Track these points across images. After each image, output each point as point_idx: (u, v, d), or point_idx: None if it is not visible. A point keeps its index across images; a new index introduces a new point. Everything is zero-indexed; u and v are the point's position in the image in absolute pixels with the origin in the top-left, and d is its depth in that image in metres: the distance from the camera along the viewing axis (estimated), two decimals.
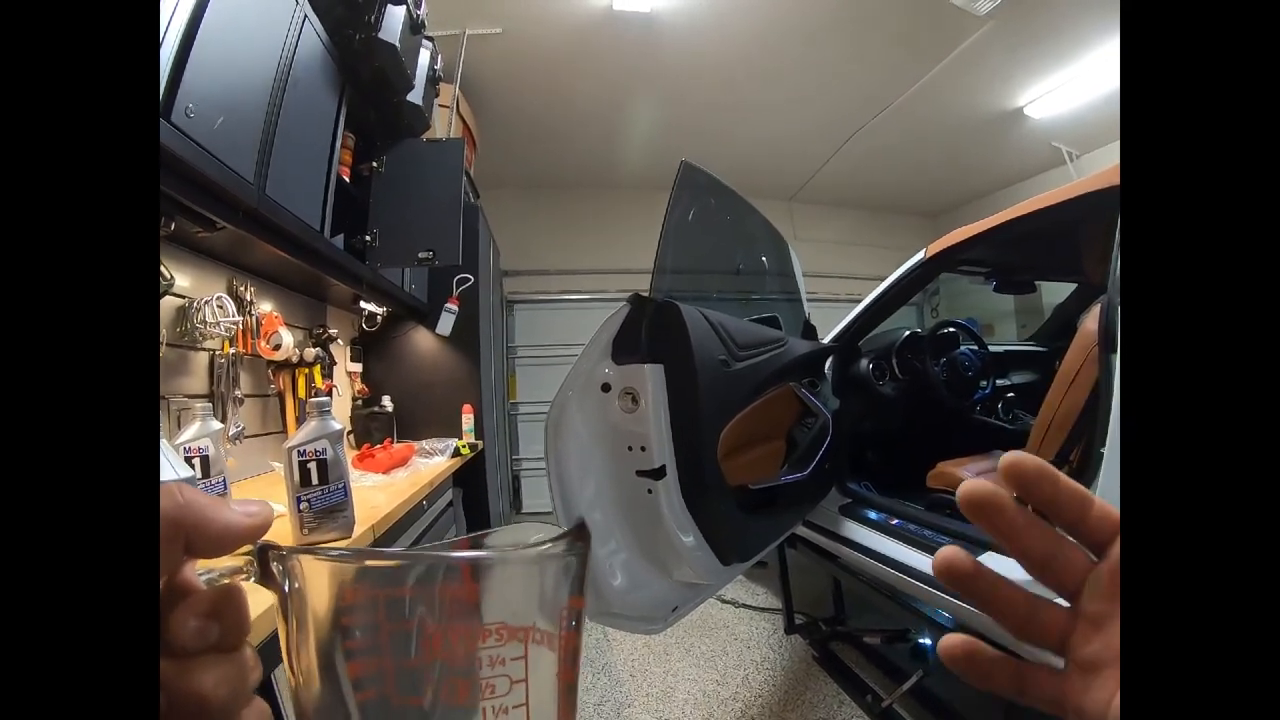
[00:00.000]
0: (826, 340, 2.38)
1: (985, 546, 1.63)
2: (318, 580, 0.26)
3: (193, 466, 1.24)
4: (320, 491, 1.19)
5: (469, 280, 3.24)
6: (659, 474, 1.40)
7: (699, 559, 1.46)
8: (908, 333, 2.48)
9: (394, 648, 0.26)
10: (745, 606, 3.10)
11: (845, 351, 2.39)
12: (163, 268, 1.44)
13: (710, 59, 3.85)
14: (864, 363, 2.38)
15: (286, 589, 0.26)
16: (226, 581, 0.27)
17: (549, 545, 0.28)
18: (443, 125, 3.37)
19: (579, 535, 0.29)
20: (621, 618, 1.50)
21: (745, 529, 1.66)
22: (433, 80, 2.40)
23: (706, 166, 1.74)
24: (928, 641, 2.23)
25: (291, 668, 0.27)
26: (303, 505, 1.18)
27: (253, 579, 0.27)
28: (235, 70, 1.35)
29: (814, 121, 4.75)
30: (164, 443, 0.83)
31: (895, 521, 1.98)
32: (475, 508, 3.16)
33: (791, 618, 2.77)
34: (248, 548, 0.27)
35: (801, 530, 2.37)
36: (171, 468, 0.80)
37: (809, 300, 2.39)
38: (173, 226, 1.35)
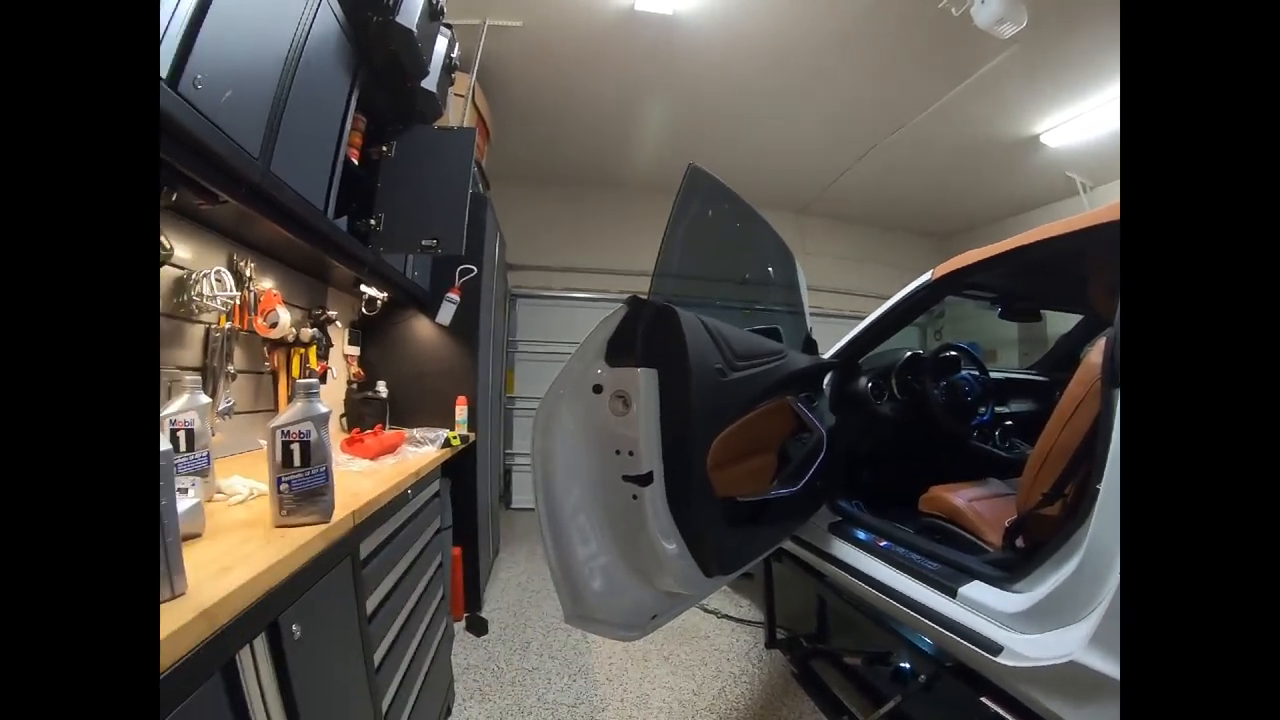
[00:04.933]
0: (827, 356, 2.36)
1: (971, 575, 1.62)
2: None
3: (176, 439, 1.22)
4: (301, 474, 1.17)
5: (472, 271, 3.23)
6: (645, 480, 1.38)
7: (681, 568, 1.45)
8: (909, 353, 2.47)
9: None
10: (727, 617, 3.09)
11: (845, 368, 2.37)
12: (162, 238, 1.42)
13: (729, 65, 3.85)
14: (863, 380, 2.36)
15: None
16: None
17: None
18: (456, 114, 3.37)
19: None
20: (599, 623, 1.49)
21: (730, 541, 1.64)
22: (449, 68, 2.39)
23: (716, 172, 1.72)
24: (908, 666, 2.21)
25: None
26: (283, 487, 1.16)
27: None
28: (247, 45, 1.33)
29: (829, 135, 4.75)
30: None
31: (884, 543, 1.96)
32: (463, 499, 3.14)
33: (773, 632, 2.76)
34: None
35: (789, 545, 2.35)
36: None
37: (812, 314, 2.37)
38: (175, 197, 1.33)
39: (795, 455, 1.95)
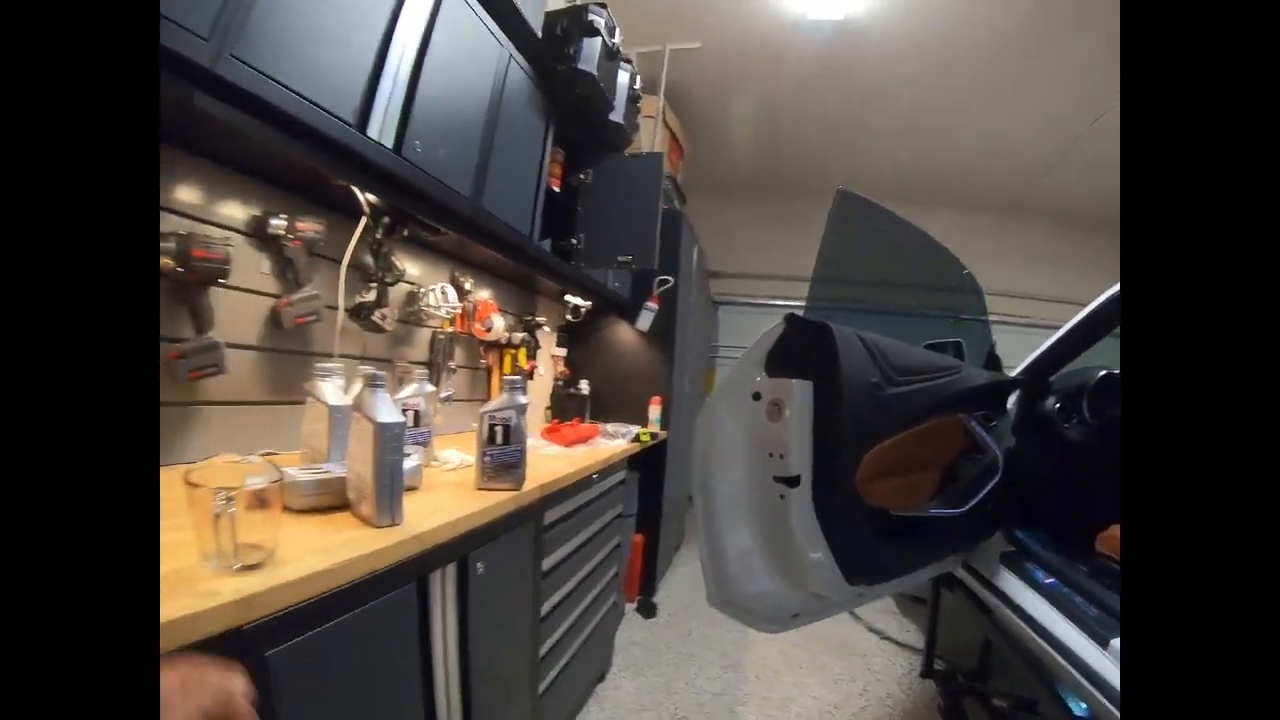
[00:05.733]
0: (1016, 372, 2.25)
1: None
2: None
3: (405, 416, 1.57)
4: (501, 450, 1.46)
5: (669, 282, 3.45)
6: (793, 482, 1.45)
7: (822, 571, 1.49)
8: (1103, 372, 2.27)
9: None
10: (889, 639, 3.04)
11: (1032, 386, 2.25)
12: (395, 261, 1.82)
13: (906, 64, 3.76)
14: (1051, 401, 2.22)
15: None
16: None
17: None
18: (648, 135, 3.64)
19: None
20: (741, 611, 1.58)
21: (876, 552, 1.65)
22: (633, 99, 2.64)
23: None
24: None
25: None
26: (485, 458, 1.45)
27: None
28: (454, 108, 1.68)
29: (1022, 127, 4.38)
30: (385, 394, 1.11)
31: (1050, 581, 1.84)
32: (650, 492, 3.38)
33: (931, 662, 2.66)
34: None
35: (961, 573, 2.26)
36: (390, 414, 1.07)
37: (1007, 322, 2.26)
38: (405, 232, 1.73)
39: (964, 475, 1.91)
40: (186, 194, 1.32)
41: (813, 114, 4.49)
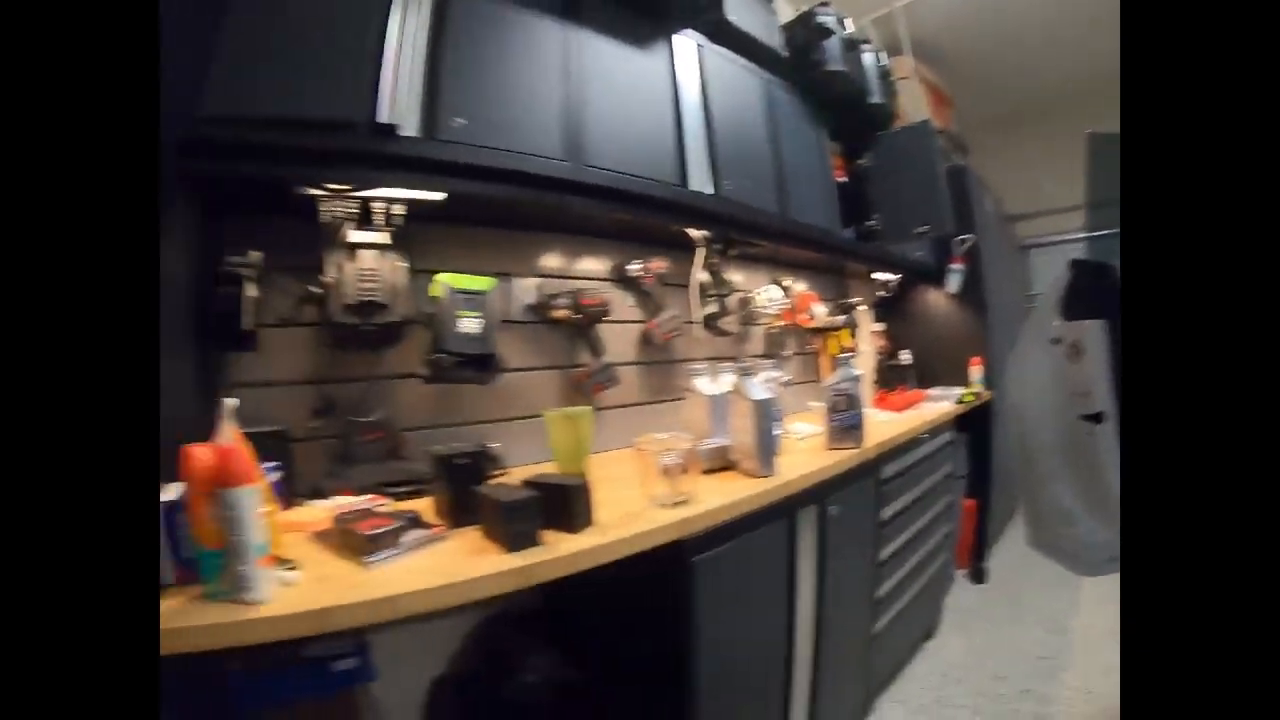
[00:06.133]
0: None
1: None
2: None
3: None
4: (844, 415, 1.76)
5: (969, 239, 3.34)
6: (1099, 419, 1.49)
7: None
8: None
9: None
10: None
11: None
12: (727, 276, 2.22)
13: None
14: None
15: None
16: None
17: None
18: (910, 98, 3.57)
19: None
20: (1057, 551, 1.63)
21: None
22: (884, 75, 2.73)
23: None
24: None
25: None
26: (832, 424, 1.76)
27: None
28: (744, 145, 2.07)
29: None
30: (754, 379, 1.47)
31: None
32: (979, 455, 3.27)
33: None
34: None
35: None
36: (762, 393, 1.41)
37: None
38: (733, 252, 2.15)
39: None
40: (563, 262, 1.91)
41: (1061, 16, 3.92)
